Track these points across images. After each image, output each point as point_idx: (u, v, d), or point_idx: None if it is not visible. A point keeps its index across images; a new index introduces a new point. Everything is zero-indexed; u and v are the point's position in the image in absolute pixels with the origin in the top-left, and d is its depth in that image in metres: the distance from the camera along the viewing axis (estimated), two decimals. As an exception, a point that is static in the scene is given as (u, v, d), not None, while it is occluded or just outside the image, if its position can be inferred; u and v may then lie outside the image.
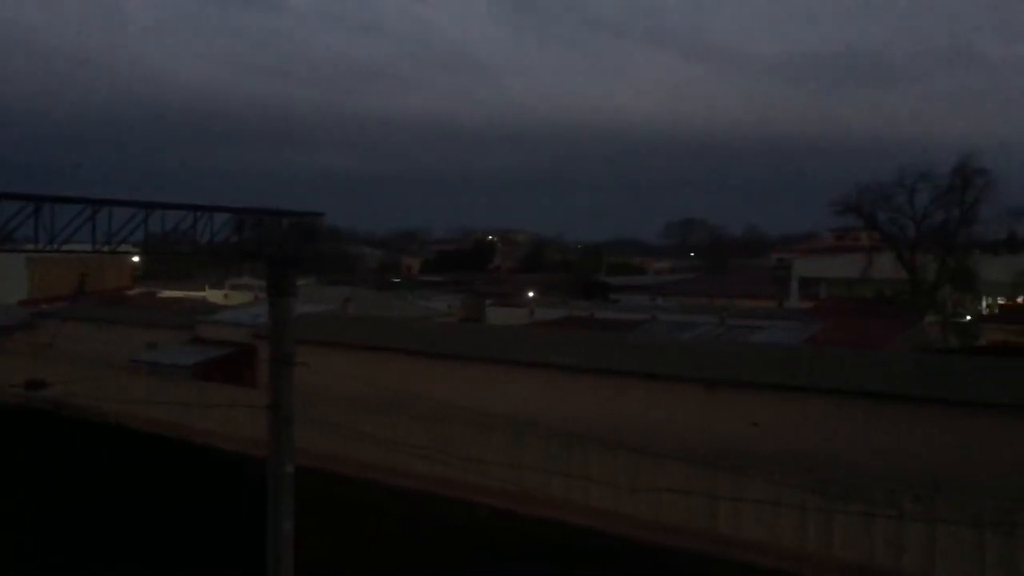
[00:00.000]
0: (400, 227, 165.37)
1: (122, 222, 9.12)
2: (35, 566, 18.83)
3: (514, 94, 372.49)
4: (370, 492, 16.24)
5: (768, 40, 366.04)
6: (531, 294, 57.41)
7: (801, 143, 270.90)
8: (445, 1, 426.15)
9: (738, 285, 66.48)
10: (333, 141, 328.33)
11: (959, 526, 11.21)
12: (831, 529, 12.32)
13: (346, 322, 30.22)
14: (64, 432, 21.90)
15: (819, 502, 12.28)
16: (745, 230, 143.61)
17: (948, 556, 11.39)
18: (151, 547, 17.72)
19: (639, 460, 13.94)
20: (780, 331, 30.99)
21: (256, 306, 31.04)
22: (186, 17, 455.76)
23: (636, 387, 18.00)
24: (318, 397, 14.90)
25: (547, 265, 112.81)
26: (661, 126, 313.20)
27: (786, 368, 17.86)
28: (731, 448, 14.75)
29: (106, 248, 8.93)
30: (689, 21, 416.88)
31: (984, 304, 55.67)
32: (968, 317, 48.51)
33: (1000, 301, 56.48)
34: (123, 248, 9.37)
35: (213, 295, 54.95)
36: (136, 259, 52.52)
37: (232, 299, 49.90)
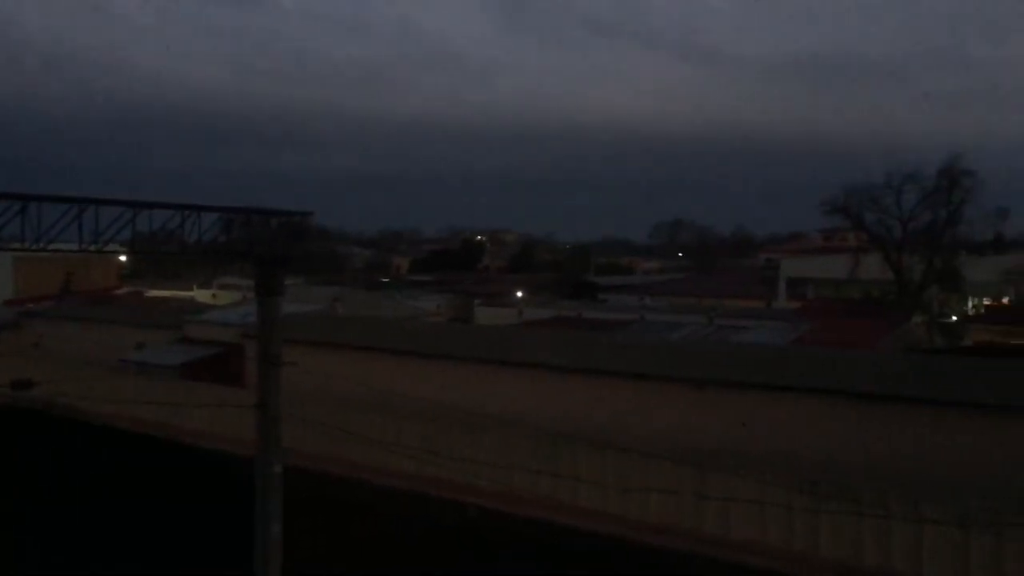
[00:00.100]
0: (390, 227, 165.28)
1: (110, 221, 9.10)
2: (25, 565, 18.74)
3: (505, 95, 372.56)
4: (360, 492, 16.22)
5: (757, 42, 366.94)
6: (519, 294, 57.37)
7: (789, 144, 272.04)
8: (437, 2, 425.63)
9: (726, 285, 66.57)
10: (325, 141, 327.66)
11: (946, 526, 11.28)
12: (819, 529, 12.38)
13: (335, 322, 30.15)
14: (52, 432, 21.76)
15: (807, 502, 12.34)
16: (733, 230, 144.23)
17: (935, 556, 11.46)
18: (141, 547, 17.67)
19: (628, 460, 13.95)
20: (768, 331, 31.09)
21: (244, 306, 30.92)
22: (183, 18, 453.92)
23: (624, 387, 18.02)
24: (308, 397, 14.88)
25: (536, 265, 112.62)
26: (651, 127, 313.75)
27: (774, 368, 17.94)
28: (720, 448, 14.79)
29: (93, 247, 8.90)
30: (679, 22, 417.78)
31: (970, 305, 55.97)
32: (954, 318, 48.78)
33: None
34: (110, 247, 9.35)
35: (201, 295, 54.72)
36: (123, 258, 52.25)
37: (220, 299, 49.70)
